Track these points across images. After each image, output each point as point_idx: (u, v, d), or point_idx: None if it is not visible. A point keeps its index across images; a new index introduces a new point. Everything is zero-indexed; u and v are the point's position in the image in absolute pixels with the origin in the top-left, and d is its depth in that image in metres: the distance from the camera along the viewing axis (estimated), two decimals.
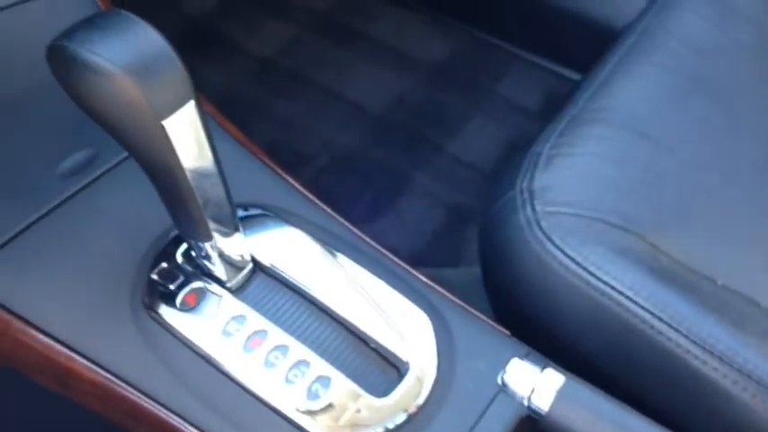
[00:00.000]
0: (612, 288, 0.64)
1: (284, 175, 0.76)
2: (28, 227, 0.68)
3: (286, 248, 0.68)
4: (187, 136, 0.56)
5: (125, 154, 0.74)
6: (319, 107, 1.45)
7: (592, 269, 0.65)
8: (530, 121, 1.45)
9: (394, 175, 1.36)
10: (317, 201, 0.74)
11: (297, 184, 0.76)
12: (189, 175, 0.57)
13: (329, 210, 0.74)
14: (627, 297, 0.63)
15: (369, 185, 1.34)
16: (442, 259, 1.24)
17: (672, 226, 0.74)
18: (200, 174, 0.57)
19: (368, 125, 1.43)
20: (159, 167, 0.57)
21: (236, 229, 0.63)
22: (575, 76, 1.50)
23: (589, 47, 1.45)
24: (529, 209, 0.74)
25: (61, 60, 0.53)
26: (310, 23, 1.59)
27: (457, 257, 1.25)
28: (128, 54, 0.53)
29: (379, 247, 0.71)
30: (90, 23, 0.54)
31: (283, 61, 1.53)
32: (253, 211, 0.71)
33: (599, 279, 0.65)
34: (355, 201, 1.30)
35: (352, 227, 0.72)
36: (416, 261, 1.26)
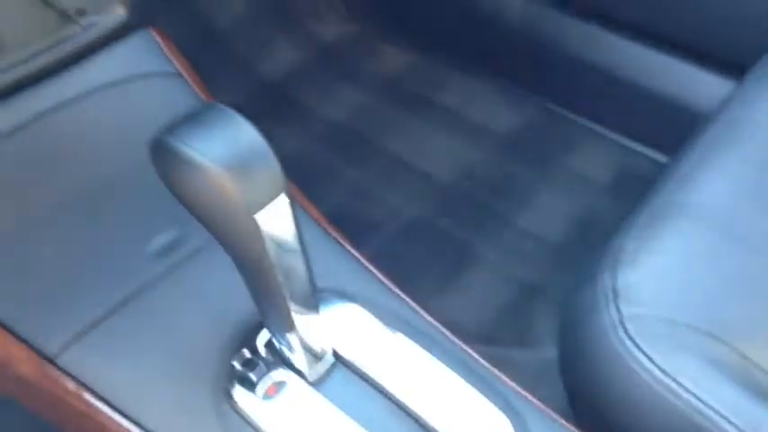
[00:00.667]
0: (710, 408, 0.62)
1: (352, 250, 0.77)
2: (115, 308, 0.69)
3: (364, 338, 0.68)
4: (277, 229, 0.56)
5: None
6: (388, 175, 1.46)
7: (686, 384, 0.63)
8: (600, 196, 1.43)
9: (461, 246, 1.35)
10: (384, 280, 0.74)
11: (362, 259, 0.76)
12: (276, 267, 0.57)
13: (398, 291, 0.74)
14: (726, 419, 0.60)
15: (436, 257, 1.33)
16: (509, 337, 1.22)
17: (764, 335, 0.71)
18: (288, 266, 0.58)
19: (436, 195, 1.43)
20: (248, 258, 0.58)
21: (317, 319, 0.63)
22: (647, 151, 1.48)
23: (663, 124, 1.43)
24: (613, 309, 0.72)
25: (163, 154, 0.55)
26: (382, 90, 1.61)
27: (524, 336, 1.22)
28: (227, 151, 0.55)
29: (452, 338, 0.70)
30: (192, 119, 0.56)
31: (354, 126, 1.55)
32: (330, 298, 0.71)
33: (694, 395, 0.62)
34: (423, 273, 1.29)
35: (420, 309, 0.72)
36: (483, 338, 1.25)
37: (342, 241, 0.78)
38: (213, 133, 0.56)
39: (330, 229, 0.79)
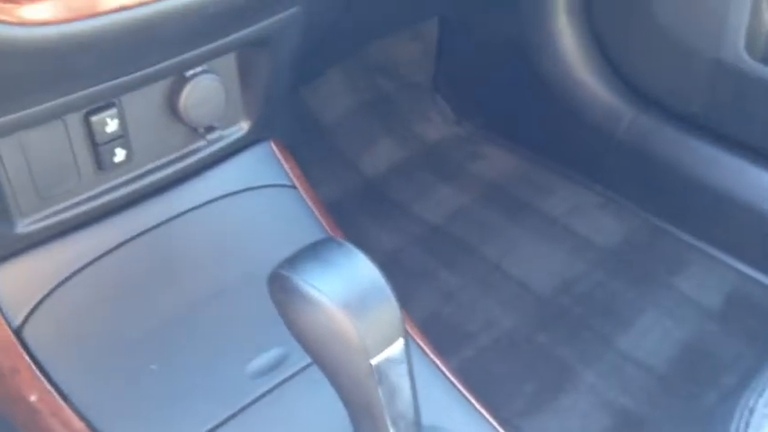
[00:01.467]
0: None
1: (438, 363, 0.74)
2: (215, 428, 0.68)
3: None
4: (391, 373, 0.55)
5: None
6: (484, 281, 1.43)
7: None
8: (709, 323, 1.35)
9: (557, 365, 1.29)
10: (470, 398, 0.72)
11: (449, 373, 0.73)
12: (385, 408, 0.56)
13: (485, 412, 0.71)
14: None
15: (530, 374, 1.27)
16: None
17: None
18: (397, 409, 0.56)
19: (533, 307, 1.38)
20: (355, 393, 0.56)
21: None
22: (761, 277, 1.40)
23: None
24: None
25: (283, 288, 0.54)
26: (483, 193, 1.59)
27: None
28: (347, 290, 0.54)
29: None
30: (314, 254, 0.56)
31: (452, 229, 1.53)
32: None
33: None
34: (515, 391, 1.24)
35: None
36: None
37: (429, 352, 0.76)
38: (334, 270, 0.55)
39: (418, 338, 0.77)
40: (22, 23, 0.50)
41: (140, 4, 0.55)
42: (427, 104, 1.71)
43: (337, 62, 1.53)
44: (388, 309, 0.56)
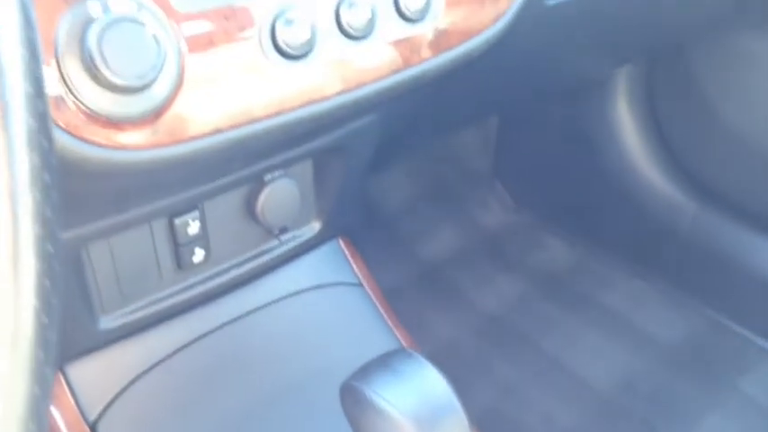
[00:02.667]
0: None
1: None
2: None
3: None
4: None
5: None
6: (542, 375, 1.41)
7: None
8: None
9: None
10: None
11: None
12: None
13: None
14: None
15: None
16: None
17: None
18: None
19: (592, 404, 1.36)
20: None
21: None
22: None
23: None
24: None
25: (355, 399, 0.55)
26: (542, 284, 1.58)
27: None
28: (417, 405, 0.55)
29: None
30: (385, 366, 0.56)
31: (510, 320, 1.52)
32: None
33: None
34: None
35: None
36: None
37: None
38: (405, 384, 0.56)
39: None
40: (122, 148, 0.53)
41: (233, 127, 0.58)
42: (487, 192, 1.73)
43: (403, 158, 1.56)
44: (457, 424, 0.56)
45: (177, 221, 0.75)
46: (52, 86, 0.50)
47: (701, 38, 1.36)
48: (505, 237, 1.68)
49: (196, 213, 0.75)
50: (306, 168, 0.82)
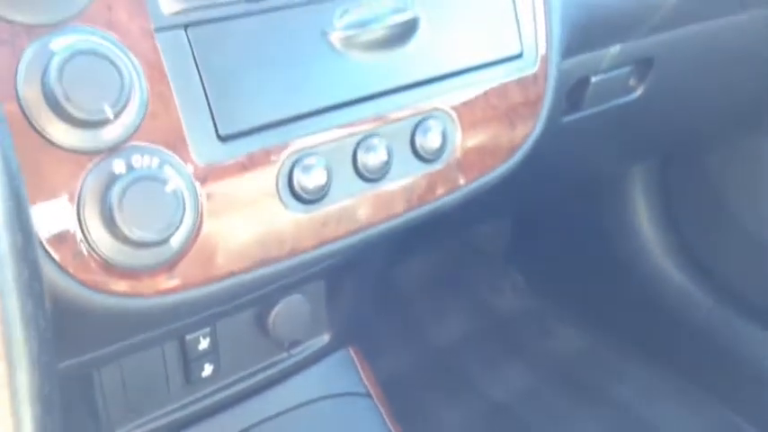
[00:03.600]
0: None
1: None
2: None
3: None
4: None
5: None
6: None
7: None
8: None
9: None
10: None
11: None
12: None
13: None
14: None
15: None
16: None
17: None
18: None
19: None
20: None
21: None
22: None
23: None
24: None
25: None
26: (551, 372, 1.57)
27: None
28: None
29: None
30: None
31: (517, 409, 1.50)
32: None
33: None
34: None
35: None
36: None
37: None
38: None
39: None
40: (136, 295, 0.54)
41: (248, 270, 0.59)
42: (499, 275, 1.73)
43: (416, 256, 1.57)
44: None
45: (188, 338, 0.75)
46: (71, 237, 0.51)
47: (715, 143, 1.36)
48: (516, 322, 1.67)
49: (207, 330, 0.76)
50: (317, 284, 0.83)
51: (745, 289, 1.46)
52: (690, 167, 1.45)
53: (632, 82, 0.97)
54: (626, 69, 0.94)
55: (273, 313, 0.79)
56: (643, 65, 0.95)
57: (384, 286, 1.58)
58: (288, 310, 0.80)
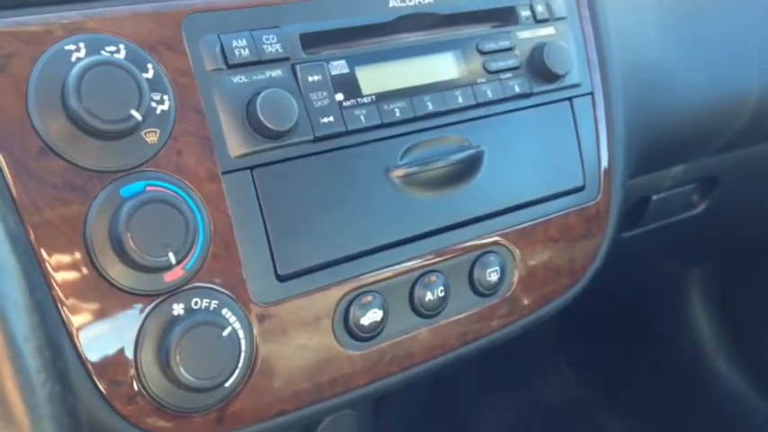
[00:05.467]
0: None
1: None
2: None
3: None
4: None
5: None
6: None
7: None
8: None
9: None
10: None
11: None
12: None
13: None
14: None
15: None
16: None
17: None
18: None
19: None
20: None
21: None
22: None
23: None
24: None
25: None
26: None
27: None
28: None
29: None
30: None
31: None
32: None
33: None
34: None
35: None
36: None
37: None
38: None
39: None
40: None
41: (299, 408, 0.58)
42: (548, 365, 1.69)
43: None
44: None
45: None
46: (124, 375, 0.51)
47: None
48: (564, 414, 1.62)
49: None
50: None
51: None
52: (750, 270, 1.41)
53: (695, 198, 0.95)
54: (689, 187, 0.92)
55: (320, 428, 0.78)
56: (707, 183, 0.93)
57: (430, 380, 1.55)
58: (335, 425, 0.78)
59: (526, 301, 0.68)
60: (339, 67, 0.59)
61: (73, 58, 0.49)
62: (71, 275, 0.49)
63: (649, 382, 1.57)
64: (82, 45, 0.50)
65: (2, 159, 0.48)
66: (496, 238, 0.65)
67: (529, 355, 1.70)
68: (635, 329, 1.56)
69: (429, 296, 0.62)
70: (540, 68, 0.67)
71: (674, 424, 1.55)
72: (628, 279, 1.18)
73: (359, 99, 0.59)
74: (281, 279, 0.56)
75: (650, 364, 1.55)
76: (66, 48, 0.50)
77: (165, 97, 0.52)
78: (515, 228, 0.66)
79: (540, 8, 0.69)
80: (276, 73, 0.56)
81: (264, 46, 0.56)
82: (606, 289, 1.30)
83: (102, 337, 0.50)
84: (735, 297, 1.46)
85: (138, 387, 0.51)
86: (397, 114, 0.60)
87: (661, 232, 0.96)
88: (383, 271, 0.60)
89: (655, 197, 0.88)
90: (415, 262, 0.62)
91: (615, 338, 1.61)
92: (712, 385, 1.48)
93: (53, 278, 0.48)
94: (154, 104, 0.51)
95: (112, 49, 0.51)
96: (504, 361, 1.70)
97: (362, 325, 0.59)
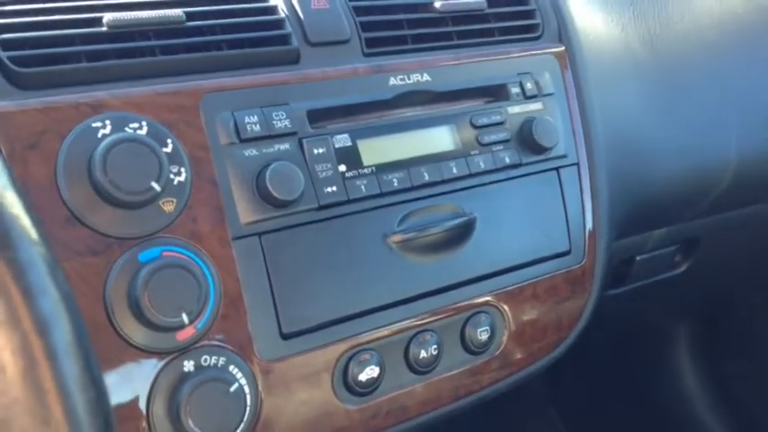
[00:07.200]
0: None
1: None
2: None
3: None
4: None
5: None
6: None
7: None
8: None
9: None
10: None
11: None
12: None
13: None
14: None
15: None
16: None
17: None
18: None
19: None
20: None
21: None
22: None
23: None
24: None
25: None
26: None
27: None
28: None
29: None
30: None
31: None
32: None
33: None
34: None
35: None
36: None
37: None
38: None
39: None
40: None
41: None
42: (539, 415, 1.71)
43: None
44: None
45: None
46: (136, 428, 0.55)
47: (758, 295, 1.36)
48: None
49: None
50: None
51: None
52: (738, 324, 1.45)
53: (678, 258, 0.99)
54: (672, 248, 0.96)
55: None
56: (689, 244, 0.97)
57: None
58: None
59: (515, 358, 0.72)
60: (342, 141, 0.64)
61: (99, 135, 0.54)
62: (90, 333, 0.53)
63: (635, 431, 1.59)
64: (108, 122, 0.55)
65: None
66: (487, 299, 0.69)
67: (520, 406, 1.72)
68: (624, 382, 1.59)
69: (423, 354, 0.66)
70: (528, 141, 0.72)
71: None
72: (616, 333, 1.21)
73: (360, 170, 0.64)
74: (284, 337, 0.59)
75: (638, 416, 1.58)
76: (94, 125, 0.54)
77: (183, 170, 0.56)
78: (505, 289, 0.70)
79: (529, 85, 0.74)
80: (284, 146, 0.61)
81: (274, 122, 0.61)
82: (595, 343, 1.33)
83: (116, 390, 0.54)
84: (723, 349, 1.49)
85: None
86: (396, 184, 0.65)
87: (646, 290, 1.00)
88: (380, 330, 0.64)
89: (639, 258, 0.93)
90: (410, 321, 0.66)
91: (605, 390, 1.64)
92: None
93: None
94: (172, 176, 0.56)
95: (136, 126, 0.55)
96: (496, 409, 1.72)
97: (360, 381, 0.63)
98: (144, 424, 0.54)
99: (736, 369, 1.49)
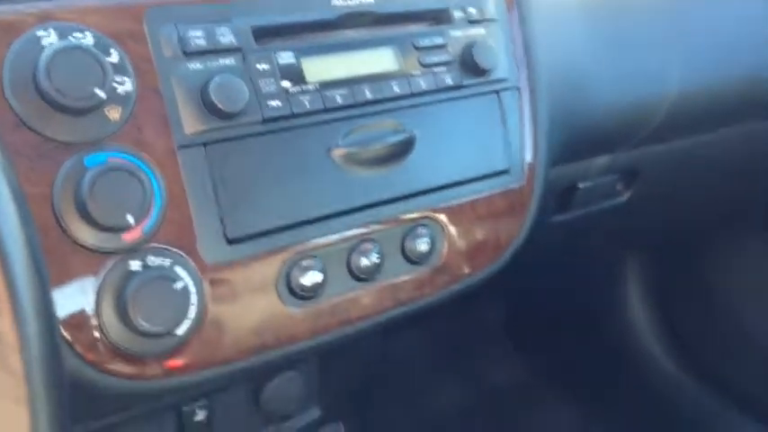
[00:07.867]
0: None
1: None
2: None
3: None
4: None
5: None
6: None
7: None
8: None
9: None
10: None
11: None
12: None
13: None
14: None
15: None
16: None
17: None
18: None
19: None
20: None
21: None
22: None
23: None
24: None
25: None
26: None
27: None
28: None
29: None
30: None
31: None
32: None
33: None
34: None
35: None
36: None
37: None
38: None
39: None
40: (141, 378, 0.60)
41: (243, 358, 0.65)
42: (496, 346, 1.77)
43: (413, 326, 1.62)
44: None
45: (185, 409, 0.80)
46: (87, 325, 0.58)
47: (704, 239, 1.42)
48: (508, 394, 1.70)
49: (204, 402, 0.81)
50: (311, 362, 0.89)
51: (733, 382, 1.50)
52: (682, 257, 1.51)
53: (619, 187, 1.04)
54: (613, 177, 1.00)
55: (267, 390, 0.85)
56: (629, 174, 1.02)
57: (378, 356, 1.63)
58: (281, 386, 0.85)
59: (455, 271, 0.76)
60: (286, 57, 0.66)
61: (44, 43, 0.56)
62: (39, 235, 0.56)
63: (588, 364, 1.66)
64: (52, 31, 0.57)
65: None
66: (427, 213, 0.73)
67: (477, 339, 1.79)
68: (574, 309, 1.65)
69: (365, 261, 0.69)
70: (469, 63, 0.75)
71: (610, 404, 1.65)
72: (567, 267, 1.26)
73: (304, 86, 0.66)
74: (230, 242, 0.63)
75: (587, 345, 1.65)
76: (38, 33, 0.56)
77: (127, 79, 0.58)
78: (445, 204, 0.74)
79: (472, 10, 0.77)
80: (229, 61, 0.63)
81: (219, 37, 0.63)
82: (548, 276, 1.39)
83: (66, 290, 0.57)
84: (669, 282, 1.55)
85: (100, 335, 0.58)
86: (339, 101, 0.68)
87: (591, 219, 1.04)
88: (323, 238, 0.67)
89: (581, 185, 0.97)
90: (352, 231, 0.69)
91: (558, 323, 1.71)
92: (644, 367, 1.58)
93: None
94: (116, 85, 0.58)
95: (80, 35, 0.57)
96: (452, 345, 1.78)
97: (304, 285, 0.66)
98: (94, 321, 0.58)
99: (683, 301, 1.56)
